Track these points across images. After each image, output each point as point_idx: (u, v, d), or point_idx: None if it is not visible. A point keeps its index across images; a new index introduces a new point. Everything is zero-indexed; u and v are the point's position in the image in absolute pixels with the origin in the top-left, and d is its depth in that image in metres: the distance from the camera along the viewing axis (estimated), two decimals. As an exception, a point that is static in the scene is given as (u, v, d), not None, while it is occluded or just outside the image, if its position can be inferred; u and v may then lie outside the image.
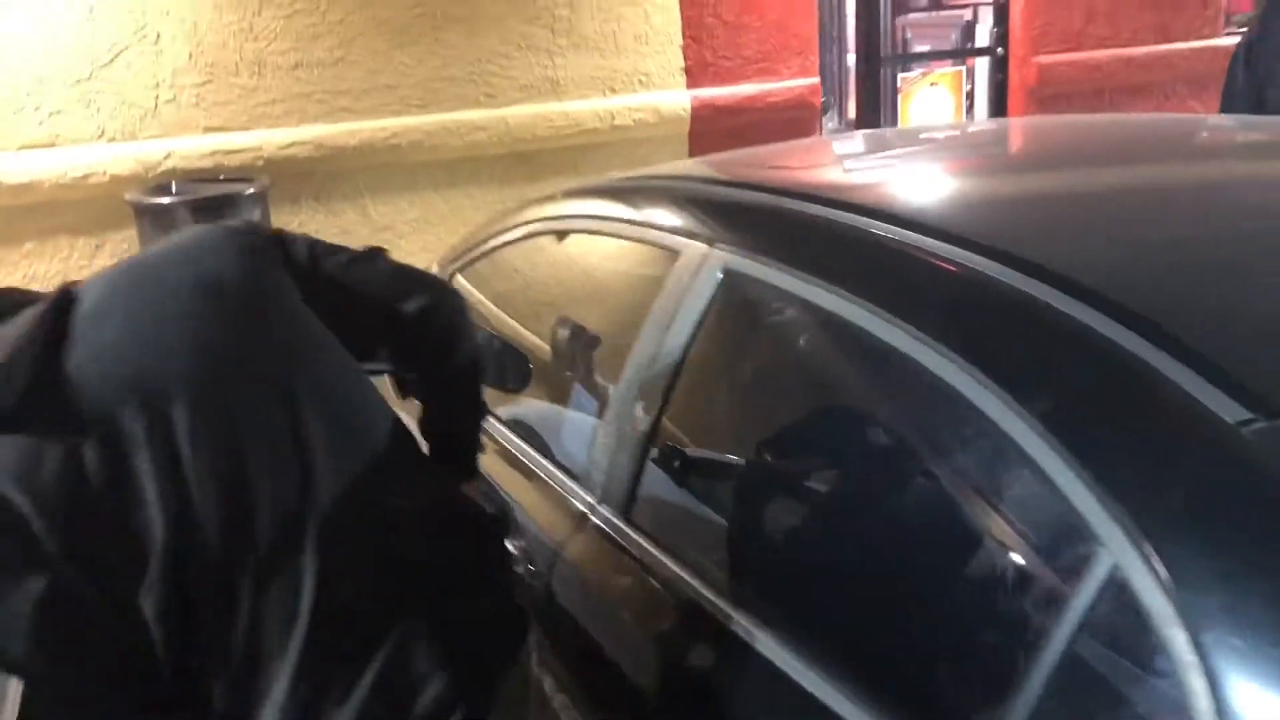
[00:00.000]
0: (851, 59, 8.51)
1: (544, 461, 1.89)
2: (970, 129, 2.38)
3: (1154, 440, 0.97)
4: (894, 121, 6.74)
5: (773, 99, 6.17)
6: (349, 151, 5.49)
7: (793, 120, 6.30)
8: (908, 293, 1.25)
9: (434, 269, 2.72)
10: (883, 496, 1.28)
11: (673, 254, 1.62)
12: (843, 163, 1.93)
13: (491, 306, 2.31)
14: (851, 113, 8.50)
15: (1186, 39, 6.95)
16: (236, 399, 1.36)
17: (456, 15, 5.56)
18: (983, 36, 7.83)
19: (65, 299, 1.36)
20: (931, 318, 1.17)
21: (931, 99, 6.59)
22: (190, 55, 5.20)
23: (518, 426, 2.03)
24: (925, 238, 1.27)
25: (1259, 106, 3.49)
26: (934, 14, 9.02)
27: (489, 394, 2.20)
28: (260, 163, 5.31)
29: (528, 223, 2.14)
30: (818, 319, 1.38)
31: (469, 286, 2.41)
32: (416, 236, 5.78)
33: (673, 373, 1.52)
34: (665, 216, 1.72)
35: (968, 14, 8.81)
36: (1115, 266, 1.22)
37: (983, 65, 7.23)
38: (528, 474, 1.93)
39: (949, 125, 2.85)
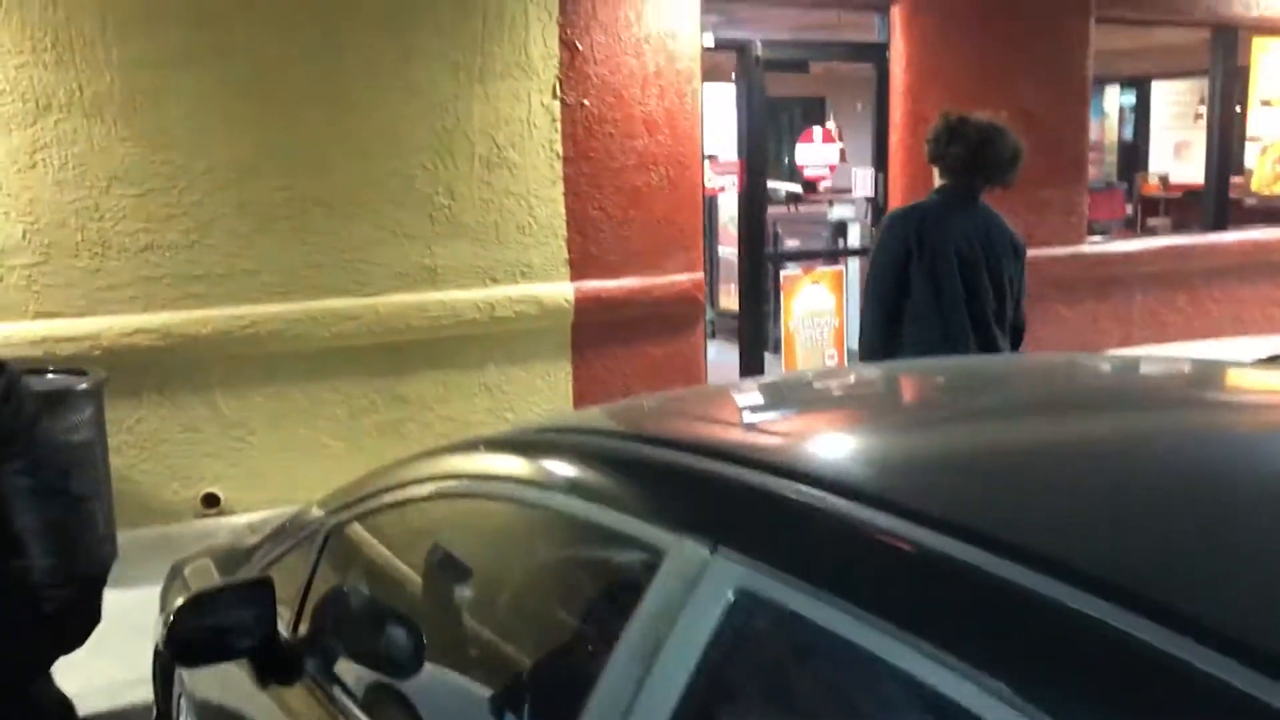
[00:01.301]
0: (723, 251, 8.52)
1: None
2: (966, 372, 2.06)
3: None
4: (778, 315, 6.62)
5: (658, 293, 5.97)
6: (200, 341, 4.98)
7: (677, 314, 6.11)
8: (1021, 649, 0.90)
9: (314, 511, 2.26)
10: None
11: (653, 553, 1.25)
12: (892, 433, 1.53)
13: (388, 570, 1.87)
14: (723, 304, 8.44)
15: (1052, 245, 7.13)
16: None
17: (327, 200, 5.21)
18: (851, 234, 7.94)
19: None
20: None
21: (814, 295, 6.51)
22: (24, 233, 4.67)
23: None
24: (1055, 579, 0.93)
25: (933, 282, 3.61)
26: (801, 210, 9.19)
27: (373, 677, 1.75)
28: (97, 352, 4.75)
29: (441, 478, 1.73)
30: (876, 674, 1.01)
31: (355, 545, 1.96)
32: (271, 432, 5.25)
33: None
34: (638, 496, 1.34)
35: (834, 209, 9.03)
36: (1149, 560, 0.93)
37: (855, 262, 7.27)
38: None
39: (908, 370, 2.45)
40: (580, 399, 5.90)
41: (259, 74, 5.02)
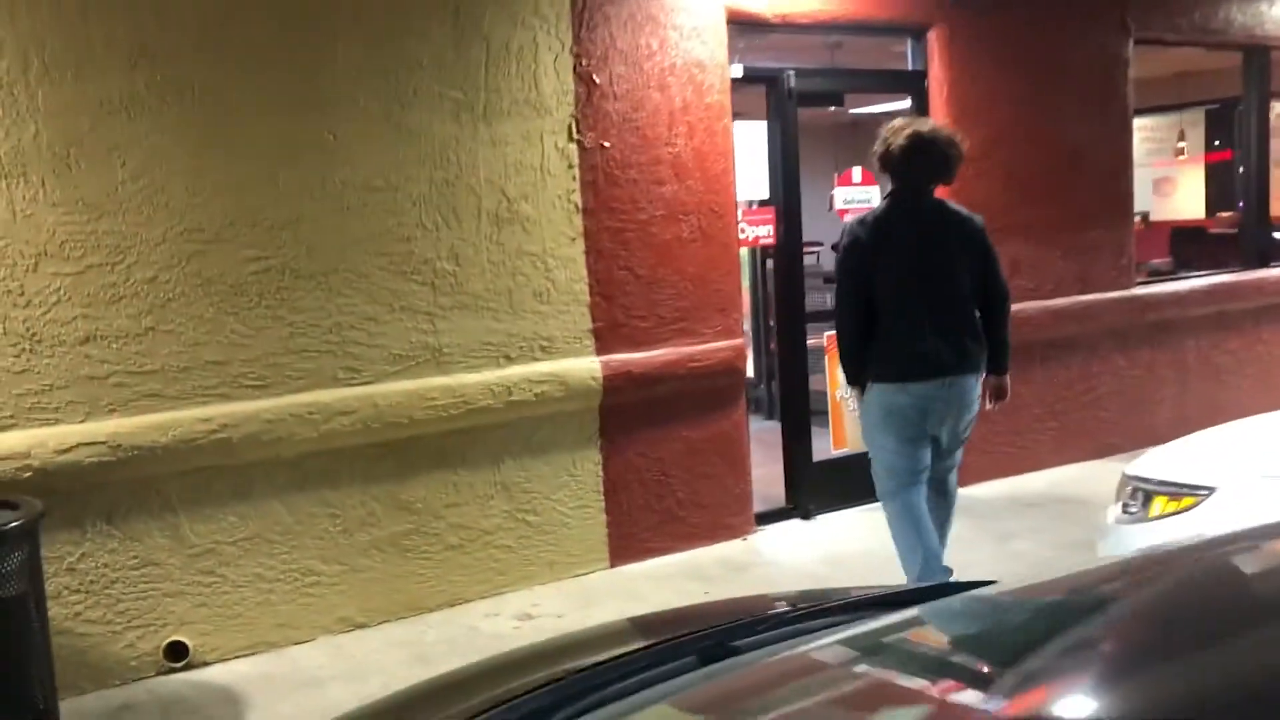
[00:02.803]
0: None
1: None
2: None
3: None
4: (818, 381, 5.79)
5: (695, 364, 5.11)
6: (158, 453, 3.98)
7: (718, 388, 5.24)
8: None
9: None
10: None
11: None
12: None
13: None
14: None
15: (1104, 290, 6.45)
16: None
17: (309, 271, 4.27)
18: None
19: None
20: None
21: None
22: (-74, 328, 3.66)
23: None
24: None
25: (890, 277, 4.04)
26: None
27: None
28: (28, 474, 3.73)
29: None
30: None
31: None
32: (248, 560, 4.24)
33: None
34: None
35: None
36: None
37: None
38: None
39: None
40: (612, 493, 4.98)
41: (222, 121, 4.08)
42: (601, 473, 4.97)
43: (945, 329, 3.98)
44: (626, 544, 5.04)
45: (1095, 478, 6.25)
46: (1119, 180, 6.54)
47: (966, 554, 4.93)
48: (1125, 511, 3.61)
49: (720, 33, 5.10)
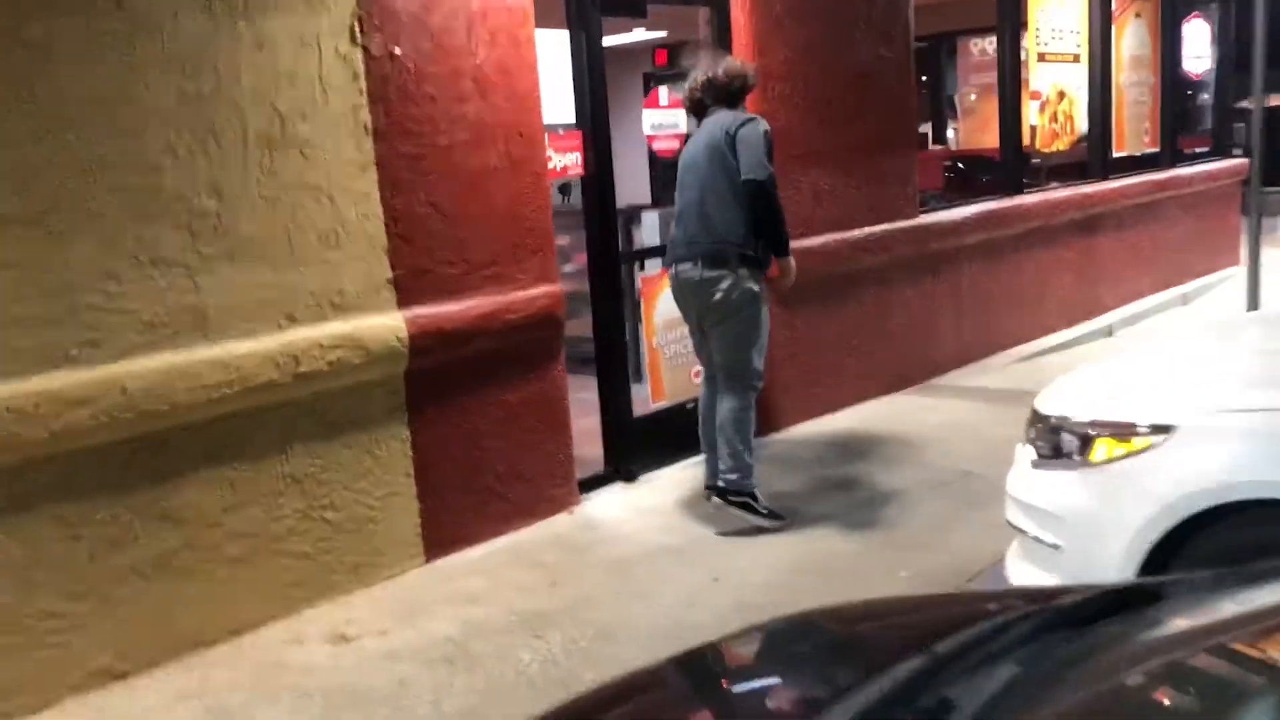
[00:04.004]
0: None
1: None
2: None
3: None
4: (636, 324, 5.20)
5: (511, 315, 4.35)
6: None
7: (536, 342, 4.52)
8: None
9: None
10: None
11: None
12: None
13: None
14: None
15: (894, 220, 6.25)
16: None
17: (19, 213, 3.14)
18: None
19: None
20: None
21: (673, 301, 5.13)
22: None
23: None
24: None
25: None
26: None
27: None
28: None
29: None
30: None
31: None
32: (-43, 610, 3.11)
33: None
34: None
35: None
36: None
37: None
38: None
39: None
40: (424, 475, 4.16)
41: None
42: (410, 452, 4.13)
43: (683, 222, 4.37)
44: (443, 533, 4.24)
45: (896, 413, 6.08)
46: (905, 109, 6.34)
47: (817, 506, 4.56)
48: (1043, 455, 3.26)
49: (519, -79, 4.30)
